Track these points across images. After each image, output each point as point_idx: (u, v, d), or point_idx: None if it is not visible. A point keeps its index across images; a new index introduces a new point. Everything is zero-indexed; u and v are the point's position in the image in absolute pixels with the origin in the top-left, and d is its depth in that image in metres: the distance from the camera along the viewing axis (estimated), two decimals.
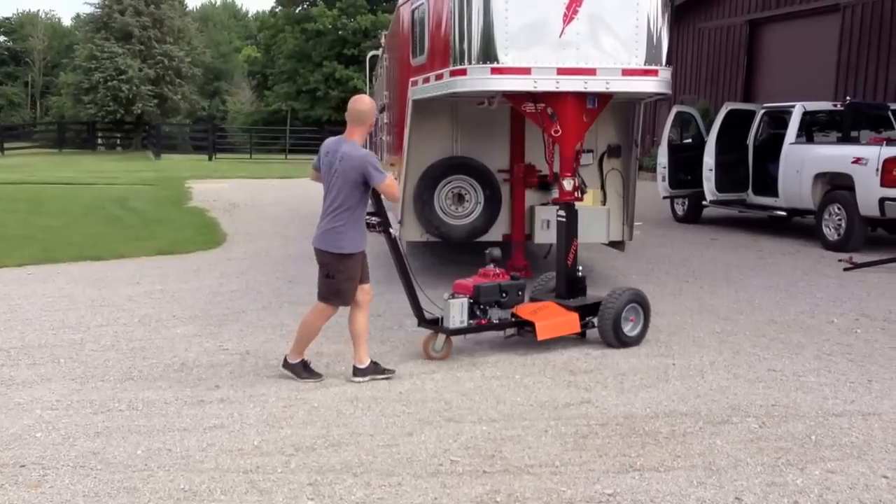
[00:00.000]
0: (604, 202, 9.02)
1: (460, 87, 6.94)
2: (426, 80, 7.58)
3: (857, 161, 11.31)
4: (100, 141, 47.84)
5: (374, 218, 6.03)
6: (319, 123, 48.10)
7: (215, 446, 4.60)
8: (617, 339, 6.51)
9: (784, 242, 12.57)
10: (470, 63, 6.78)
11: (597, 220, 8.78)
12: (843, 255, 10.86)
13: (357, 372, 5.76)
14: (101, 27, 47.01)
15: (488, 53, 6.68)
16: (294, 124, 50.97)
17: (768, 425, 4.93)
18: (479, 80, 6.78)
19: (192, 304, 8.12)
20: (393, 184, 5.80)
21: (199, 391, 5.53)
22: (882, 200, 10.94)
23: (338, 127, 42.47)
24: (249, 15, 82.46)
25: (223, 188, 22.62)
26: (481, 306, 6.38)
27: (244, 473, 4.25)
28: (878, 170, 10.94)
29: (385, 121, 11.63)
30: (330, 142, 5.75)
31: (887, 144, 11.34)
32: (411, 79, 8.06)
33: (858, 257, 10.56)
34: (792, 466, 4.35)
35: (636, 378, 5.83)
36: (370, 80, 17.49)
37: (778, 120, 13.23)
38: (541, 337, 6.31)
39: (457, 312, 6.22)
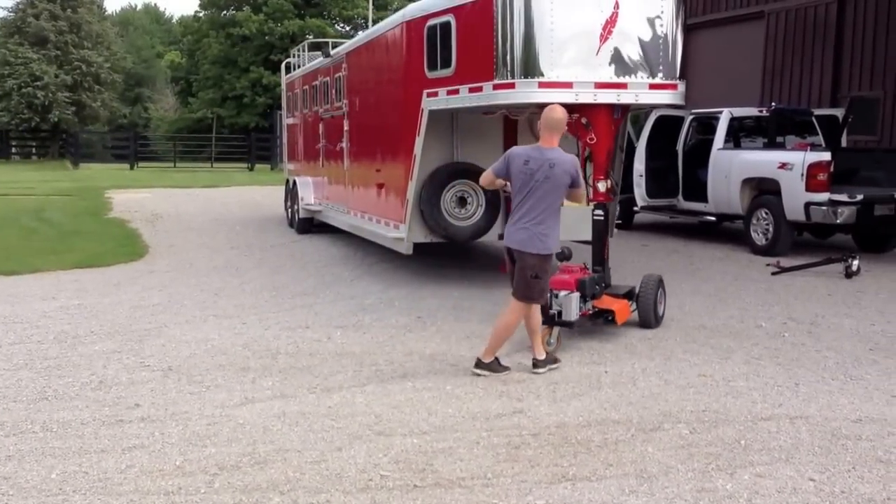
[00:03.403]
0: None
1: (507, 100, 7.67)
2: (453, 92, 8.23)
3: (782, 166, 11.56)
4: (14, 150, 46.35)
5: None
6: (246, 130, 47.47)
7: (135, 468, 4.41)
8: (655, 319, 7.49)
9: (713, 247, 12.80)
10: (515, 77, 7.45)
11: (584, 220, 9.08)
12: (770, 260, 11.08)
13: (538, 364, 6.13)
14: (14, 32, 45.40)
15: (533, 69, 7.41)
16: (220, 132, 50.19)
17: (699, 431, 4.95)
18: (526, 92, 7.47)
19: (111, 319, 7.83)
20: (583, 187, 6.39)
21: (117, 410, 5.31)
22: (807, 205, 11.19)
23: (266, 134, 42.04)
24: (173, 19, 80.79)
25: (145, 198, 22.08)
26: (584, 298, 6.90)
27: (165, 495, 4.08)
28: (803, 175, 11.20)
29: (346, 128, 11.98)
30: (524, 151, 6.10)
31: (811, 150, 11.60)
32: (427, 90, 8.63)
33: (785, 261, 10.78)
34: (722, 472, 4.37)
35: (568, 387, 5.81)
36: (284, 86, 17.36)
37: (706, 126, 13.42)
38: (620, 321, 7.17)
39: (574, 306, 6.72)
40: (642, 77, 7.55)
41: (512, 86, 7.53)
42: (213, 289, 9.38)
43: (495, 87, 7.63)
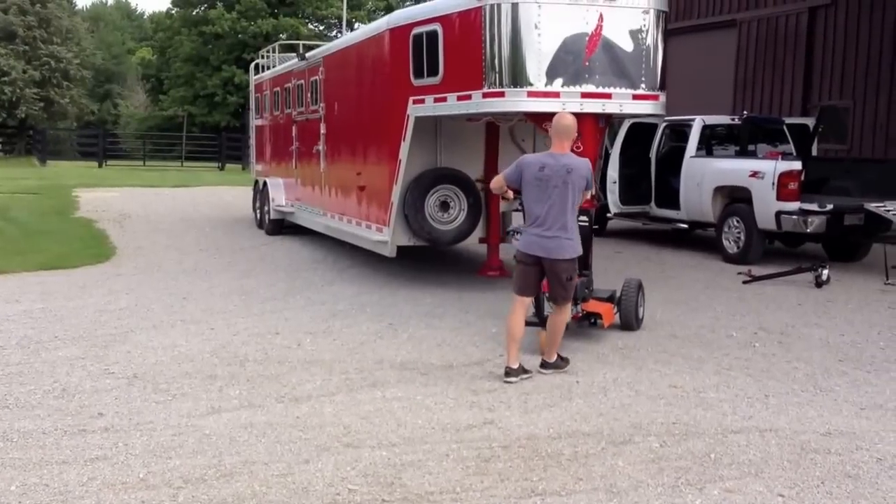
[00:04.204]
0: None
1: (496, 108, 7.92)
2: (441, 100, 8.42)
3: (754, 175, 11.62)
4: None
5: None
6: (217, 129, 47.08)
7: (97, 480, 4.30)
8: (636, 321, 7.75)
9: (686, 255, 12.84)
10: (504, 87, 7.67)
11: None
12: (742, 268, 11.13)
13: (546, 365, 6.32)
14: None
15: (522, 79, 7.64)
16: (191, 130, 49.75)
17: (669, 444, 4.93)
18: (515, 101, 7.70)
19: (76, 323, 7.68)
20: None
21: (80, 419, 5.19)
22: (778, 214, 11.27)
23: (237, 134, 41.70)
24: (145, 16, 79.95)
25: (113, 197, 21.80)
26: (575, 301, 7.02)
27: None
28: (774, 184, 11.27)
29: (323, 131, 12.07)
30: (537, 158, 6.25)
31: (782, 159, 11.68)
32: (413, 97, 8.79)
33: (757, 270, 10.84)
34: (691, 486, 4.35)
35: (540, 397, 5.78)
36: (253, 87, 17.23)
37: (679, 133, 13.44)
38: (607, 324, 7.44)
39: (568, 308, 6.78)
40: (626, 88, 7.80)
41: (501, 94, 7.74)
42: (181, 292, 9.25)
43: (485, 95, 7.84)
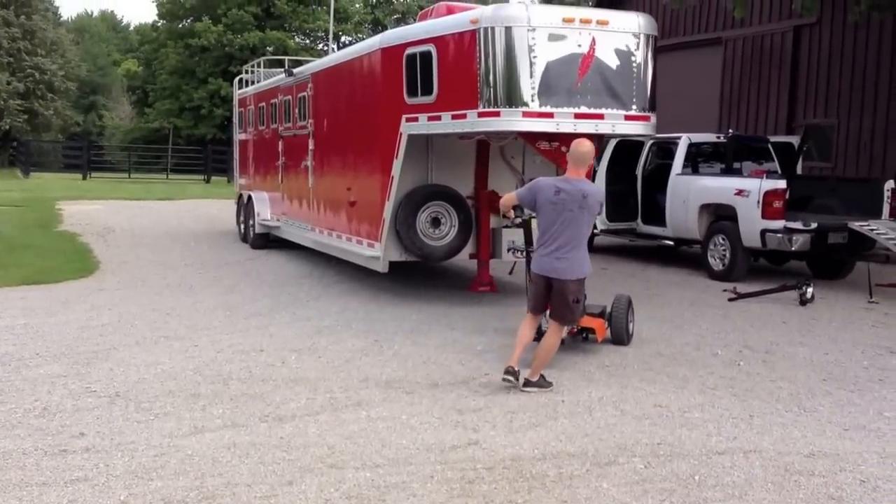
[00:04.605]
0: None
1: (491, 127, 8.12)
2: (434, 118, 8.56)
3: (739, 193, 11.69)
4: None
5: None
6: (203, 142, 46.91)
7: (77, 502, 4.26)
8: (627, 336, 7.85)
9: (671, 272, 12.87)
10: (499, 106, 7.86)
11: None
12: (727, 285, 11.17)
13: (528, 383, 6.31)
14: None
15: (517, 99, 7.85)
16: (177, 143, 49.58)
17: (653, 465, 4.92)
18: (511, 121, 7.91)
19: (58, 340, 7.61)
20: None
21: (61, 439, 5.13)
22: (763, 232, 11.32)
23: (223, 146, 41.55)
24: (130, 27, 79.67)
25: (98, 210, 21.67)
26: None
27: None
28: (759, 202, 11.33)
29: (311, 147, 12.13)
30: (552, 182, 6.42)
31: (767, 177, 11.75)
32: (406, 115, 8.89)
33: (742, 287, 10.88)
34: None
35: (525, 416, 5.76)
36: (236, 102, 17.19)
37: (665, 151, 13.49)
38: (600, 339, 7.63)
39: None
40: (618, 109, 8.06)
41: (497, 114, 7.93)
42: (165, 308, 9.19)
43: (480, 115, 8.03)
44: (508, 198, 6.73)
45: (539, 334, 6.83)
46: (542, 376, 6.39)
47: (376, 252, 9.73)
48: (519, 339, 6.46)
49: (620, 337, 7.83)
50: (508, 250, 9.71)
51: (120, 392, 6.10)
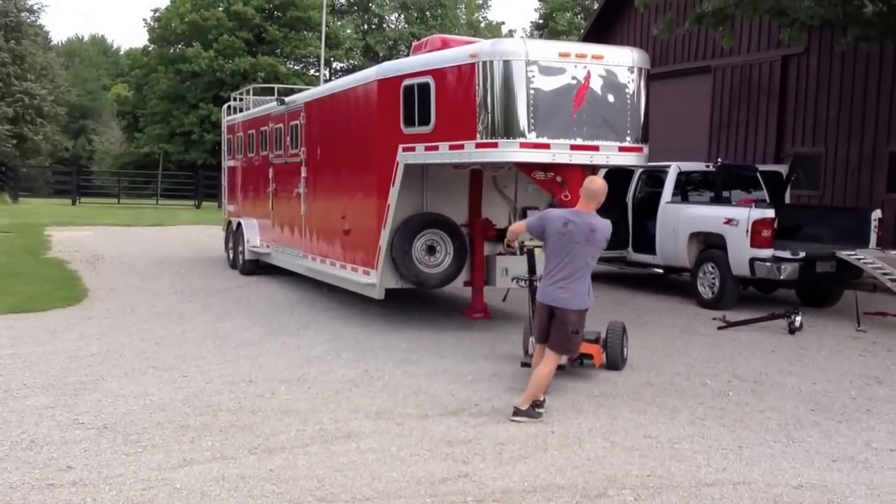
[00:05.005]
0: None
1: (489, 158, 8.25)
2: (432, 148, 8.69)
3: (728, 222, 11.76)
4: None
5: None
6: (194, 167, 46.93)
7: None
8: (622, 361, 8.04)
9: (661, 299, 12.90)
10: (497, 137, 8.01)
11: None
12: (717, 314, 11.22)
13: (518, 412, 6.34)
14: None
15: (515, 131, 7.99)
16: (167, 168, 49.61)
17: (643, 498, 4.91)
18: (509, 152, 8.05)
19: (45, 370, 7.57)
20: None
21: (48, 473, 5.10)
22: (752, 260, 11.38)
23: (214, 172, 41.54)
24: (121, 52, 79.80)
25: (87, 237, 21.61)
26: None
27: None
28: (747, 231, 11.40)
29: (304, 175, 12.24)
30: (561, 214, 6.55)
31: (756, 206, 11.82)
32: (402, 145, 9.03)
33: (731, 315, 10.92)
34: None
35: (515, 447, 5.75)
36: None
37: (655, 179, 13.56)
38: (598, 364, 7.83)
39: None
40: (613, 140, 8.25)
41: (495, 145, 8.07)
42: (154, 337, 9.16)
43: (478, 145, 8.17)
44: (517, 226, 6.91)
45: (528, 360, 6.88)
46: (532, 406, 6.40)
47: (372, 279, 9.78)
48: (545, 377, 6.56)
49: (616, 362, 7.98)
50: (513, 279, 9.75)
51: (108, 424, 6.07)
